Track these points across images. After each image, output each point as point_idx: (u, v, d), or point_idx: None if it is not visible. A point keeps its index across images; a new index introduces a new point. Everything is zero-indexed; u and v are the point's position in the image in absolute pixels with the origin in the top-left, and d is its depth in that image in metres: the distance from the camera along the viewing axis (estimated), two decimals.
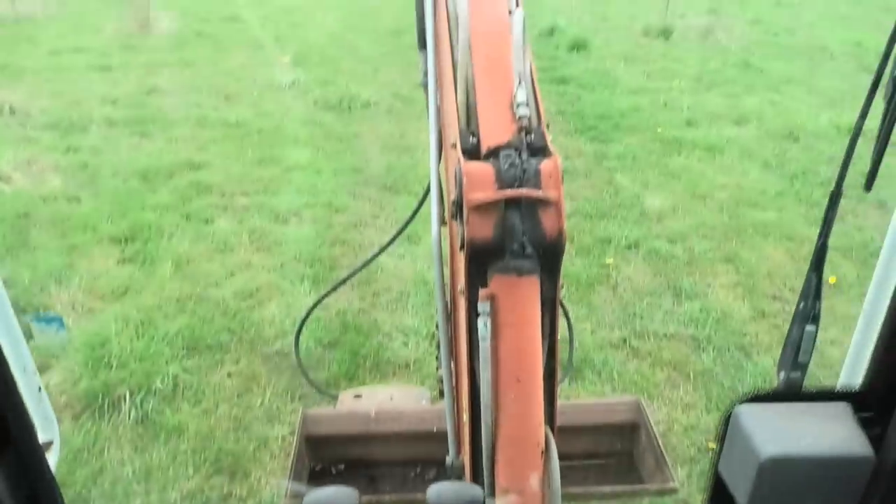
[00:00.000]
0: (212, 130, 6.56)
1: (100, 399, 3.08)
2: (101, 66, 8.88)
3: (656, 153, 6.33)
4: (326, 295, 2.46)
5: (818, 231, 1.22)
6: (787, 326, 1.26)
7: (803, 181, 5.60)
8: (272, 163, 5.86)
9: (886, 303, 1.15)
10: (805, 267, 4.20)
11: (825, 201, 1.23)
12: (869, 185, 1.13)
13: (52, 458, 1.27)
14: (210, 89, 7.85)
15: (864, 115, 1.16)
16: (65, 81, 8.18)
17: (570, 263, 4.37)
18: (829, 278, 4.08)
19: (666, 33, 11.63)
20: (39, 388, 1.24)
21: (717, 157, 6.22)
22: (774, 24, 13.41)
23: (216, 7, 13.92)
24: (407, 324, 3.76)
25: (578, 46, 10.39)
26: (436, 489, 1.01)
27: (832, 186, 1.18)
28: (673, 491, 2.11)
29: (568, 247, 3.30)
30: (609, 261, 4.40)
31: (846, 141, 1.14)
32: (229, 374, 3.38)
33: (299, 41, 10.91)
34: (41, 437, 1.19)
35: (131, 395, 3.11)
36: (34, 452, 0.92)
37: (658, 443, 2.12)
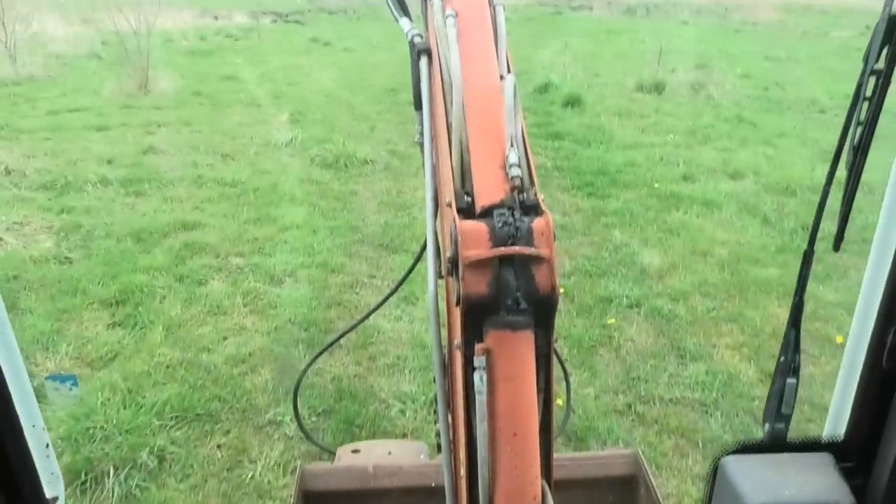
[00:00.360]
0: (207, 190, 6.54)
1: (82, 476, 2.94)
2: (99, 126, 8.93)
3: (654, 209, 6.31)
4: (327, 348, 2.49)
5: (795, 287, 1.27)
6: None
7: (803, 236, 5.55)
8: (268, 222, 5.81)
9: (862, 358, 1.20)
10: (809, 327, 4.08)
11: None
12: (836, 245, 1.17)
13: None
14: (207, 148, 7.86)
15: (829, 181, 1.20)
16: (62, 141, 8.20)
17: (572, 324, 4.28)
18: (837, 337, 3.99)
19: (658, 88, 11.80)
20: (47, 445, 1.25)
21: (716, 213, 6.20)
22: (764, 78, 13.64)
23: (215, 67, 14.15)
24: (404, 390, 3.63)
25: (572, 102, 10.52)
26: None
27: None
28: None
29: (568, 307, 3.25)
30: (611, 321, 4.30)
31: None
32: (219, 446, 3.24)
33: (297, 99, 11.03)
34: (47, 493, 1.22)
35: (115, 471, 2.97)
36: None
37: (657, 496, 2.09)
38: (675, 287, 4.81)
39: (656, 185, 6.85)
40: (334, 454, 2.53)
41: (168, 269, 4.86)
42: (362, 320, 2.44)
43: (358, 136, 8.68)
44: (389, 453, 2.50)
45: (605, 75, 13.30)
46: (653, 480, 2.16)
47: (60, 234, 5.44)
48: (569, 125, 9.31)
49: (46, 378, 3.39)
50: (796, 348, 1.30)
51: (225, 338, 4.09)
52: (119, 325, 4.14)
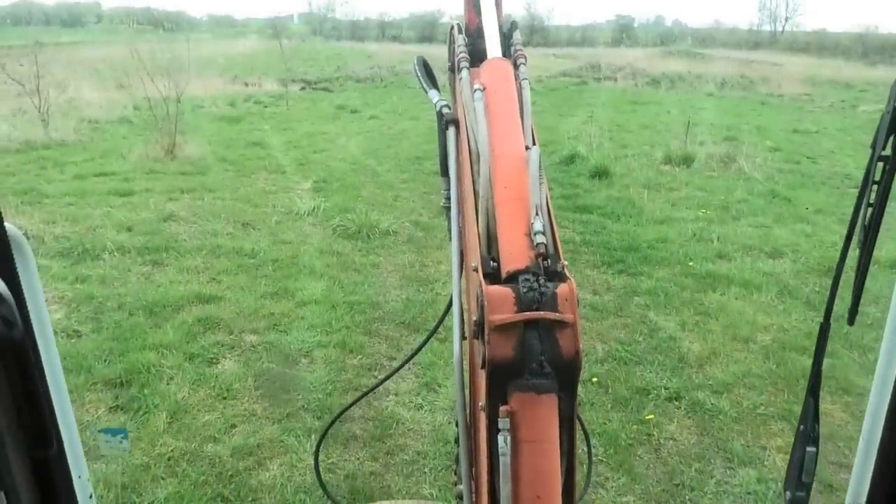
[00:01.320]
0: (226, 260, 6.37)
1: None
2: (123, 192, 8.90)
3: (689, 289, 6.00)
4: (348, 408, 2.55)
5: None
6: None
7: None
8: (285, 296, 5.60)
9: (880, 427, 1.23)
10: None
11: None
12: (851, 319, 1.21)
13: None
14: (228, 216, 7.75)
15: (842, 258, 1.26)
16: (84, 206, 8.16)
17: (606, 419, 3.95)
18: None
19: (687, 161, 11.61)
20: (90, 496, 1.30)
21: (755, 294, 5.87)
22: (795, 152, 13.44)
23: (242, 133, 14.28)
24: (424, 492, 3.31)
25: (600, 174, 10.34)
26: None
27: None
28: None
29: (602, 398, 2.92)
30: (649, 417, 3.96)
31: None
32: None
33: (321, 167, 11.00)
34: None
35: None
36: None
37: None
38: (716, 378, 4.46)
39: (691, 264, 6.56)
40: None
41: (179, 346, 4.63)
42: (389, 377, 2.45)
43: (381, 206, 8.54)
44: None
45: (632, 146, 13.16)
46: None
47: (72, 304, 5.26)
48: (597, 198, 9.11)
49: (99, 431, 3.41)
50: (815, 418, 1.32)
51: (233, 426, 3.81)
52: (121, 409, 3.89)
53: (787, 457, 3.68)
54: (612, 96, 22.80)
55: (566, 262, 1.05)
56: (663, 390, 4.26)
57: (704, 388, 4.33)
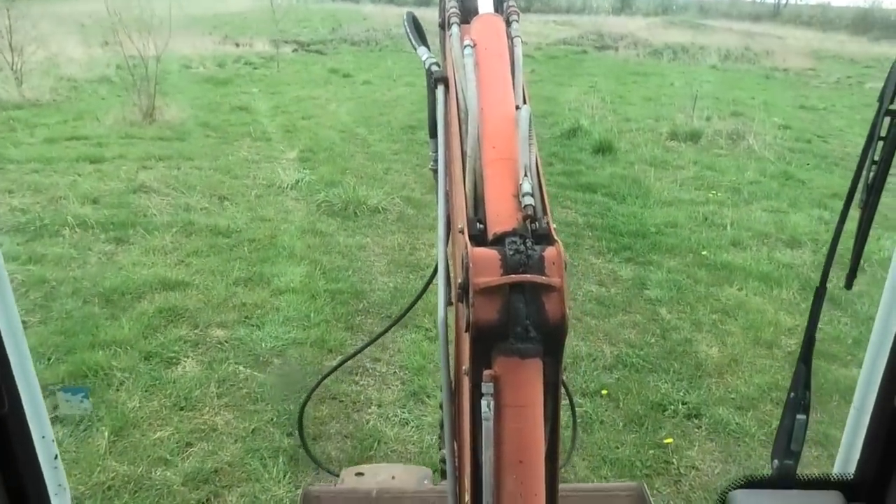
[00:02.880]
0: (197, 239, 5.81)
1: None
2: (94, 158, 8.27)
3: (703, 282, 5.50)
4: (327, 375, 2.51)
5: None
6: None
7: None
8: (260, 283, 5.06)
9: (873, 397, 1.20)
10: None
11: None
12: (849, 283, 1.24)
13: None
14: (204, 188, 7.17)
15: (842, 219, 1.27)
16: (50, 174, 7.55)
17: (619, 441, 3.46)
18: None
19: (694, 137, 11.05)
20: (55, 457, 1.27)
21: (775, 290, 5.38)
22: (804, 130, 12.89)
23: (229, 97, 13.56)
24: None
25: (603, 149, 9.77)
26: None
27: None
28: None
29: (613, 415, 2.44)
30: (668, 441, 3.48)
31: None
32: None
33: (308, 135, 10.37)
34: None
35: None
36: None
37: None
38: (739, 390, 3.98)
39: (704, 253, 6.05)
40: (338, 476, 2.51)
41: (135, 342, 4.10)
42: (369, 344, 2.35)
43: (371, 179, 7.97)
44: (393, 478, 2.49)
45: (635, 120, 12.55)
46: None
47: (21, 289, 4.71)
48: (600, 175, 8.55)
49: (58, 389, 3.46)
50: (807, 385, 1.32)
51: (188, 445, 3.30)
52: (59, 422, 3.37)
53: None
54: (614, 66, 22.06)
55: (554, 226, 1.01)
56: (681, 405, 3.78)
57: (727, 404, 3.85)
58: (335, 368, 2.40)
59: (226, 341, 4.24)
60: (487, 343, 0.94)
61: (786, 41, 34.91)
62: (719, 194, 8.04)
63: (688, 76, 19.43)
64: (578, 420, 3.54)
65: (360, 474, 2.50)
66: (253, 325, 4.45)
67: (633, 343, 4.48)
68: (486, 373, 0.94)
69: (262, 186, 7.46)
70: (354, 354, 2.64)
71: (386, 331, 2.23)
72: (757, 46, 30.50)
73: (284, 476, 3.13)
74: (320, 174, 7.98)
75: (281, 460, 3.22)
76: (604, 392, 3.87)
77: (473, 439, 1.02)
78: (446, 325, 1.20)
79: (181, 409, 3.56)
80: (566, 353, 1.03)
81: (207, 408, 3.58)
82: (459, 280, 1.00)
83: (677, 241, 6.36)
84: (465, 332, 0.98)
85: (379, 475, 2.49)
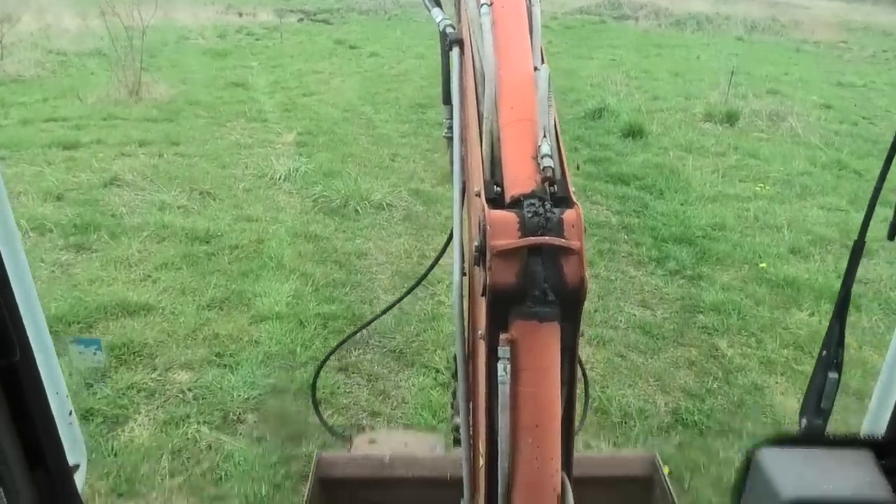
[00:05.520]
0: (170, 247, 4.98)
1: None
2: (68, 143, 7.42)
3: (765, 303, 4.63)
4: (343, 342, 2.45)
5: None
6: None
7: None
8: (238, 306, 4.23)
9: None
10: None
11: None
12: (892, 234, 1.16)
13: (80, 480, 1.26)
14: (185, 181, 6.32)
15: (883, 174, 1.18)
16: (17, 162, 6.72)
17: None
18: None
19: (731, 118, 10.08)
20: (70, 412, 1.25)
21: (853, 315, 4.51)
22: (847, 110, 11.87)
23: (226, 70, 12.62)
24: None
25: (633, 133, 8.83)
26: None
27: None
28: None
29: None
30: None
31: None
32: None
33: (308, 115, 9.47)
34: (70, 460, 1.22)
35: None
36: (63, 474, 1.12)
37: (673, 499, 2.09)
38: None
39: (762, 265, 5.17)
40: (351, 442, 2.52)
41: (75, 394, 3.30)
42: (386, 311, 2.29)
43: (375, 168, 7.11)
44: (406, 445, 2.52)
45: (664, 98, 11.56)
46: (669, 483, 2.15)
47: None
48: (632, 164, 7.64)
49: (71, 342, 3.36)
50: (840, 343, 1.27)
51: None
52: None
53: None
54: (635, 38, 20.88)
55: (574, 188, 0.98)
56: None
57: None
58: (347, 339, 2.36)
59: (189, 389, 3.42)
60: (504, 306, 0.94)
61: (812, 11, 33.44)
62: (767, 188, 7.13)
63: (714, 49, 18.30)
64: None
65: (372, 441, 2.54)
66: (225, 366, 3.63)
67: (690, 391, 3.64)
68: (502, 336, 0.93)
69: (252, 178, 6.60)
70: (369, 323, 2.61)
71: (400, 299, 2.13)
72: (783, 17, 29.17)
73: None
74: (318, 162, 7.11)
75: None
76: (666, 471, 3.04)
77: (489, 403, 1.02)
78: (461, 293, 1.16)
79: (119, 495, 2.75)
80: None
81: (154, 494, 2.78)
82: (476, 243, 0.99)
83: (728, 249, 5.48)
84: (482, 296, 0.97)
85: (391, 441, 2.56)
